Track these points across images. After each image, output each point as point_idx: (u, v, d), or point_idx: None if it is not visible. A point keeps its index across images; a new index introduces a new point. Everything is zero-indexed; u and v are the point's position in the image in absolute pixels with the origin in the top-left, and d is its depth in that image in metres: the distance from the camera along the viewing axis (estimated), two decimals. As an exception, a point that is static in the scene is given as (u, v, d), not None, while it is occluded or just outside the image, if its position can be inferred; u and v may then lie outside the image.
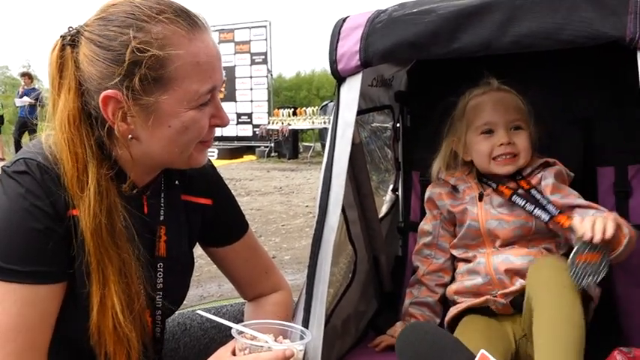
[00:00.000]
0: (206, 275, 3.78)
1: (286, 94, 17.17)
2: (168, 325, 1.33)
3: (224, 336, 1.39)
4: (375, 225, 1.78)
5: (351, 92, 1.37)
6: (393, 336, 1.61)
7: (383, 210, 2.00)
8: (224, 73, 1.10)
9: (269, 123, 12.27)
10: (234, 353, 1.07)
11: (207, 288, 3.71)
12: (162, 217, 1.16)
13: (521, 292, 1.45)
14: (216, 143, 12.17)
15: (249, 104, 13.16)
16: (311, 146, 12.57)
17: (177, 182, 1.20)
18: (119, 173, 1.06)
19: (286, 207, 6.59)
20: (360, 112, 1.52)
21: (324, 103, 12.44)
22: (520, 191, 1.55)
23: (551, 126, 1.65)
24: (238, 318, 1.42)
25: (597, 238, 1.24)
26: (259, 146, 12.68)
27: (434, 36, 1.28)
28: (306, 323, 1.28)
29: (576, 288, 1.28)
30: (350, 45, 1.36)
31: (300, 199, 7.07)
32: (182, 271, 1.22)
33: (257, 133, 12.54)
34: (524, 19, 1.20)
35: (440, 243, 1.70)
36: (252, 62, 13.03)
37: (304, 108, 12.40)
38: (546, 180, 1.54)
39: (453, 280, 1.67)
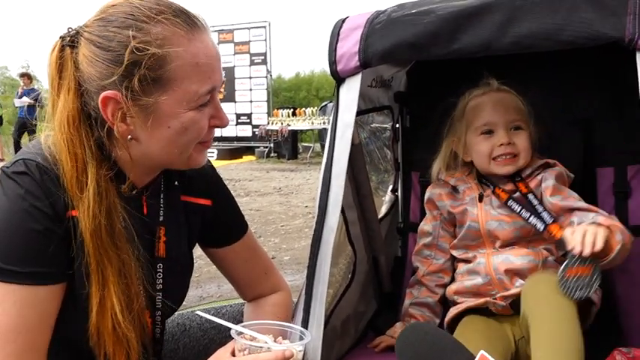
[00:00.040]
0: (205, 276, 3.78)
1: (285, 95, 17.17)
2: (167, 326, 1.33)
3: (223, 337, 1.39)
4: (374, 226, 1.78)
5: (350, 93, 1.37)
6: (392, 336, 1.61)
7: (382, 211, 2.00)
8: (223, 73, 1.10)
9: (268, 123, 12.28)
10: (233, 354, 1.07)
11: (207, 289, 3.71)
12: (161, 218, 1.16)
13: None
14: (216, 144, 12.17)
15: (249, 105, 13.16)
16: (310, 147, 12.58)
17: (176, 183, 1.20)
18: (118, 174, 1.06)
19: (285, 207, 6.59)
20: (359, 113, 1.52)
21: (324, 104, 12.44)
22: (517, 195, 1.55)
23: (551, 127, 1.65)
24: (238, 319, 1.42)
25: (586, 252, 1.24)
26: (258, 147, 12.68)
27: (433, 37, 1.28)
28: (305, 324, 1.28)
29: (572, 301, 1.28)
30: (349, 46, 1.36)
31: (300, 200, 7.07)
32: (182, 271, 1.22)
33: (256, 133, 12.54)
34: (524, 19, 1.20)
35: (440, 244, 1.69)
36: (252, 63, 13.03)
37: (303, 108, 12.40)
38: (547, 182, 1.54)
39: (452, 280, 1.67)
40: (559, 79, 1.76)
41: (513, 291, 1.47)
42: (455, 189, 1.66)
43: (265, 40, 12.96)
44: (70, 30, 1.02)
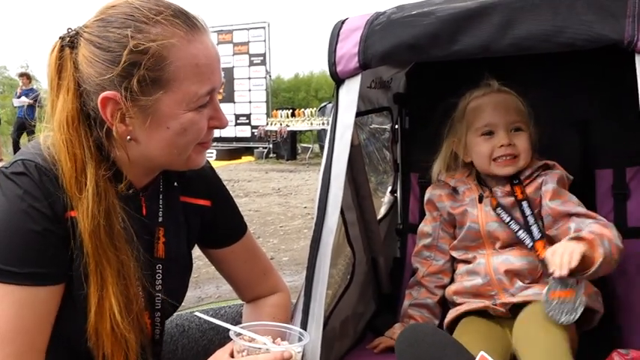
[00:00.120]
0: (204, 277, 3.78)
1: (285, 96, 17.16)
2: (166, 327, 1.33)
3: (222, 338, 1.39)
4: (373, 227, 1.78)
5: (350, 94, 1.38)
6: (391, 337, 1.61)
7: (381, 212, 2.00)
8: (223, 74, 1.10)
9: (267, 124, 12.28)
10: (232, 355, 1.06)
11: (206, 289, 3.71)
12: (160, 219, 1.16)
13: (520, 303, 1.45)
14: (215, 144, 12.16)
15: (248, 105, 13.16)
16: (309, 147, 12.58)
17: (175, 184, 1.20)
18: (117, 174, 1.06)
19: (284, 208, 6.58)
20: (358, 114, 1.52)
21: (323, 105, 12.44)
22: (511, 200, 1.55)
23: (551, 128, 1.65)
24: (236, 320, 1.42)
25: (562, 273, 1.24)
26: (258, 147, 12.68)
27: (433, 38, 1.28)
28: (304, 325, 1.28)
29: (565, 337, 1.28)
30: (349, 47, 1.36)
31: (299, 201, 7.06)
32: (181, 272, 1.22)
33: (255, 134, 12.54)
34: (524, 21, 1.21)
35: (440, 245, 1.69)
36: (251, 63, 13.03)
37: (303, 109, 12.40)
38: (547, 185, 1.53)
39: (452, 282, 1.66)
40: (558, 80, 1.76)
41: (514, 299, 1.47)
42: (455, 190, 1.66)
43: (264, 40, 12.96)
44: (69, 30, 1.02)
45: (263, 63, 12.98)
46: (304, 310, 1.29)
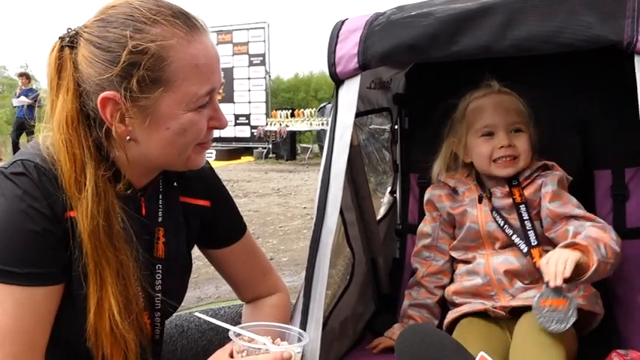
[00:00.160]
0: (204, 277, 3.78)
1: (284, 96, 17.16)
2: (165, 328, 1.33)
3: (222, 338, 1.38)
4: (373, 227, 1.78)
5: (349, 94, 1.38)
6: (390, 338, 1.61)
7: (381, 212, 2.00)
8: (222, 74, 1.10)
9: (267, 124, 12.29)
10: (231, 355, 1.06)
11: (205, 290, 3.71)
12: (160, 219, 1.16)
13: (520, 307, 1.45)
14: (214, 144, 12.15)
15: (247, 105, 13.17)
16: (309, 148, 12.59)
17: (175, 184, 1.20)
18: (117, 175, 1.06)
19: (284, 208, 6.58)
20: (358, 115, 1.52)
21: (322, 105, 12.44)
22: (508, 201, 1.55)
23: (550, 128, 1.65)
24: (236, 320, 1.42)
25: (556, 283, 1.25)
26: (257, 147, 12.68)
27: (432, 39, 1.28)
28: (303, 325, 1.28)
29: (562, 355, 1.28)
30: (348, 47, 1.36)
31: (298, 201, 7.07)
32: (180, 272, 1.22)
33: (255, 134, 12.55)
34: (524, 22, 1.21)
35: (439, 245, 1.69)
36: (251, 64, 13.04)
37: (302, 109, 12.41)
38: (546, 187, 1.53)
39: (451, 282, 1.66)
40: (558, 81, 1.76)
41: (514, 303, 1.47)
42: (454, 190, 1.66)
43: (264, 40, 12.96)
44: (69, 30, 1.02)
45: (262, 63, 12.98)
46: (304, 310, 1.29)
